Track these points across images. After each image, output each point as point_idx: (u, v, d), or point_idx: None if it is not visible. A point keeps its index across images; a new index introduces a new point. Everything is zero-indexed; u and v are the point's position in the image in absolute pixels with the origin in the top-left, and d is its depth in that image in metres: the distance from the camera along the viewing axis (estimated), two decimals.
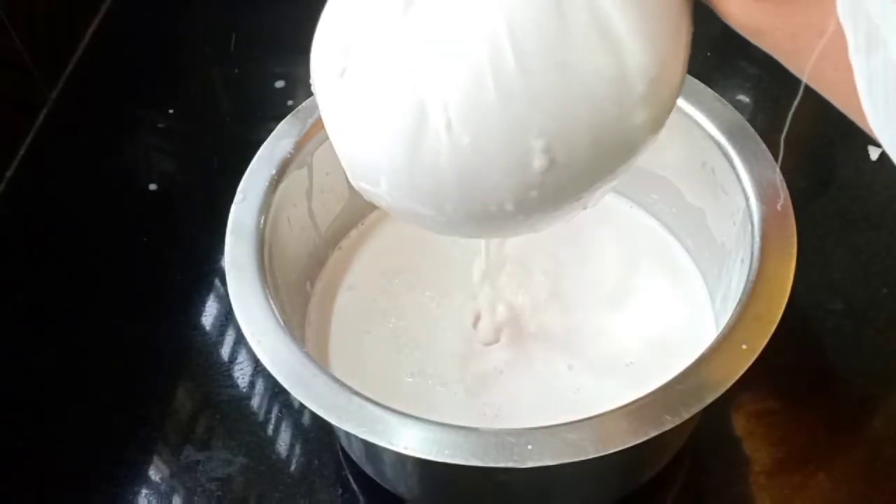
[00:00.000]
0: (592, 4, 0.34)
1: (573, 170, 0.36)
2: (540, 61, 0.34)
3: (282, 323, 0.46)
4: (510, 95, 0.34)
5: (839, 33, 0.28)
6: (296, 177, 0.54)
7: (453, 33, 0.34)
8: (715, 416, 0.56)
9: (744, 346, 0.44)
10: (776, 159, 0.50)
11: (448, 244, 0.59)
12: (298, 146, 0.53)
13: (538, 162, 0.35)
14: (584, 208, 0.41)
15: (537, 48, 0.34)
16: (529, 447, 0.41)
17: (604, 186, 0.39)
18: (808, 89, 0.33)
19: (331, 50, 0.38)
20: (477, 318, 0.56)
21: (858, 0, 0.27)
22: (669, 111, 0.38)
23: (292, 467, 0.57)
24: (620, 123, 0.35)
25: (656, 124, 0.37)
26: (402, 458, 0.47)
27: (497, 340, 0.56)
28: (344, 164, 0.40)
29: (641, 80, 0.35)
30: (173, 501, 0.56)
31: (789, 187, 0.49)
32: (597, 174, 0.37)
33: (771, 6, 0.31)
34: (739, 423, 0.57)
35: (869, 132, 0.30)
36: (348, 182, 0.58)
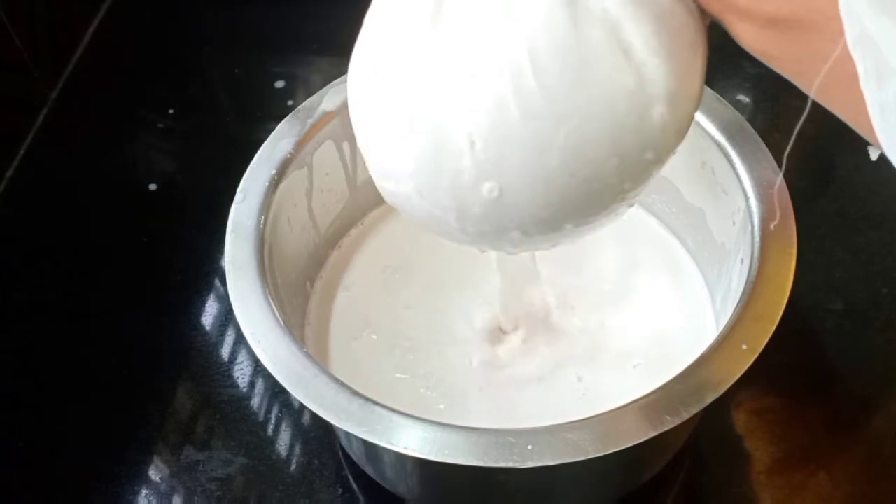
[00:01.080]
0: (610, 23, 0.34)
1: (597, 187, 0.37)
2: (561, 80, 0.34)
3: (282, 323, 0.46)
4: (532, 116, 0.34)
5: (845, 57, 0.28)
6: (296, 177, 0.54)
7: (474, 58, 0.35)
8: (715, 416, 0.56)
9: (744, 346, 0.43)
10: (779, 166, 0.50)
11: (449, 242, 0.59)
12: (298, 146, 0.53)
13: (562, 180, 0.36)
14: (607, 224, 0.41)
15: (558, 68, 0.34)
16: (529, 447, 0.41)
17: (626, 202, 0.39)
18: (803, 91, 0.33)
19: (365, 54, 0.38)
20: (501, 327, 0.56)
21: (866, 30, 0.27)
22: (689, 124, 0.38)
23: (292, 467, 0.57)
24: (642, 138, 0.36)
25: (677, 137, 0.38)
26: (402, 458, 0.47)
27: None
28: (370, 167, 0.41)
29: (661, 93, 0.35)
30: (173, 501, 0.56)
31: (789, 187, 0.49)
32: (619, 189, 0.38)
33: (777, 33, 0.32)
34: (740, 423, 0.57)
35: (878, 146, 0.30)
36: (348, 182, 0.59)
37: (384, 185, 0.41)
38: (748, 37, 0.33)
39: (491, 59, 0.35)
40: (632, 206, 0.41)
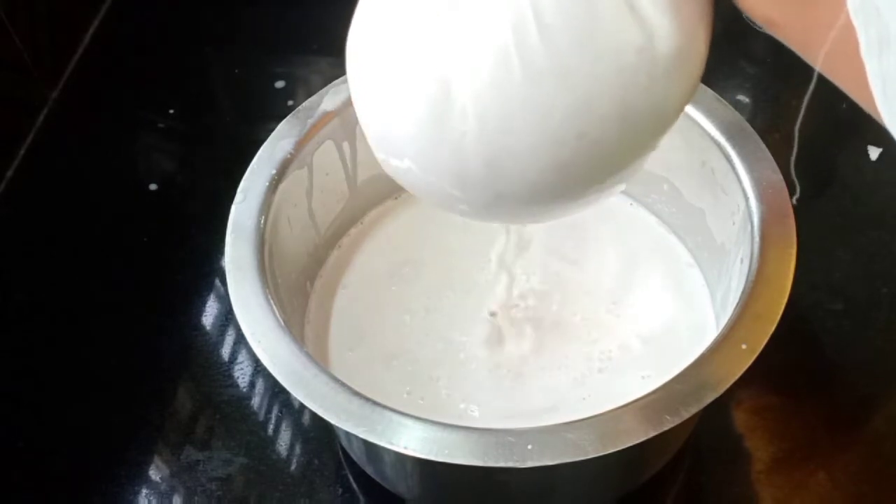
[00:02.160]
0: None
1: (604, 149, 0.36)
2: (566, 36, 0.33)
3: (282, 323, 0.46)
4: (536, 74, 0.34)
5: (850, 27, 0.28)
6: (296, 177, 0.54)
7: (477, 14, 0.34)
8: (715, 416, 0.56)
9: (744, 346, 0.43)
10: (791, 152, 0.50)
11: (449, 241, 0.59)
12: (298, 146, 0.53)
13: (568, 141, 0.35)
14: (611, 194, 0.40)
15: (562, 24, 0.33)
16: (529, 447, 0.41)
17: (632, 167, 0.38)
18: (802, 91, 0.32)
19: (365, 21, 0.38)
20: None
21: None
22: (696, 84, 0.37)
23: (292, 467, 0.57)
24: (649, 97, 0.35)
25: (684, 97, 0.37)
26: (402, 458, 0.47)
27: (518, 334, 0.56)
28: (370, 139, 0.40)
29: (669, 50, 0.34)
30: (173, 501, 0.56)
31: (789, 187, 0.49)
32: (626, 152, 0.37)
33: (784, 1, 0.31)
34: (740, 423, 0.57)
35: (879, 120, 0.29)
36: (348, 182, 0.59)
37: (386, 160, 0.39)
38: (754, 3, 0.32)
39: (492, 16, 0.34)
40: (637, 170, 0.40)
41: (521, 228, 0.52)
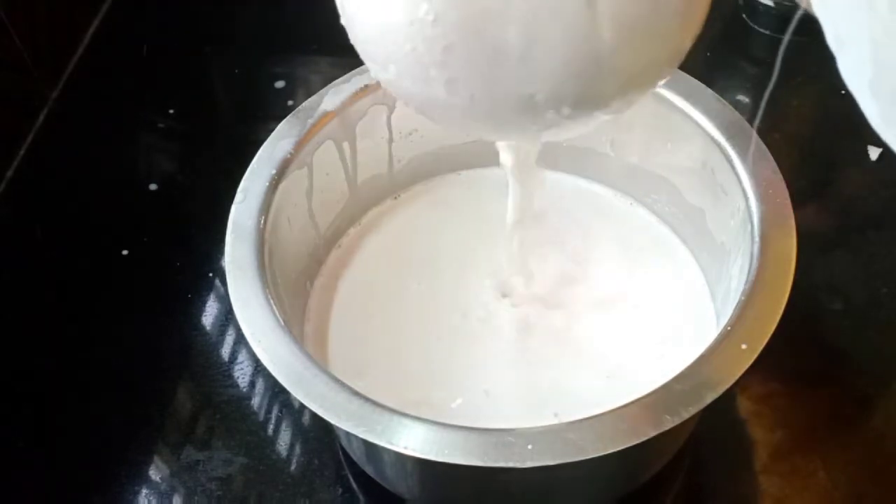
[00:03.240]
0: None
1: (623, 55, 0.34)
2: None
3: (282, 322, 0.46)
4: None
5: None
6: (296, 177, 0.54)
7: None
8: (715, 416, 0.56)
9: (744, 346, 0.43)
10: (769, 153, 0.50)
11: (449, 241, 0.59)
12: (298, 146, 0.53)
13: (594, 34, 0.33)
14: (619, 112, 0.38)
15: None
16: (529, 447, 0.41)
17: (647, 86, 0.37)
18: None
19: None
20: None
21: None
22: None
23: (292, 467, 0.57)
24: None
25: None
26: (402, 458, 0.47)
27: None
28: (358, 47, 0.39)
29: None
30: (173, 501, 0.56)
31: (789, 187, 0.49)
32: (650, 59, 0.35)
33: None
34: (739, 423, 0.57)
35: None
36: (348, 182, 0.59)
37: (370, 59, 0.38)
38: None
39: None
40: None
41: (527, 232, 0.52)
